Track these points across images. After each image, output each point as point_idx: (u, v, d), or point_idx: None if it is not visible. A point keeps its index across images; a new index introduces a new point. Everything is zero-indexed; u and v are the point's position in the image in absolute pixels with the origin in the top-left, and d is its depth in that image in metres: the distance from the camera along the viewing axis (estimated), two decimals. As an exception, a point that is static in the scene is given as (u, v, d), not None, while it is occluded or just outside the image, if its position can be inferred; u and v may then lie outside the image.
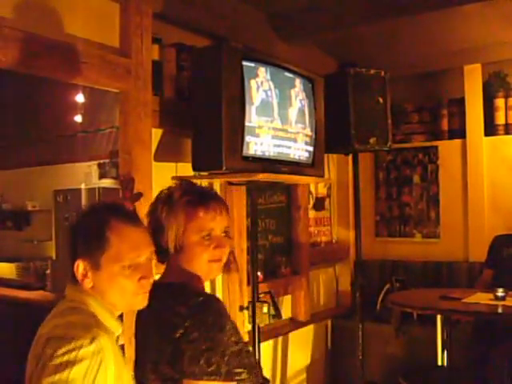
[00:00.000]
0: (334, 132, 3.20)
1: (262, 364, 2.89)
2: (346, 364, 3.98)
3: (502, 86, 4.28)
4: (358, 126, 3.28)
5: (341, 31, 3.56)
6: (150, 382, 1.42)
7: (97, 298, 1.33)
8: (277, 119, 2.72)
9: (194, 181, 1.66)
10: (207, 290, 3.00)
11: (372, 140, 3.35)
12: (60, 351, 1.19)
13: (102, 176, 4.57)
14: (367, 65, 3.45)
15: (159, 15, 2.70)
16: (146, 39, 2.60)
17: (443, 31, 3.72)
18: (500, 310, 2.96)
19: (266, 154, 2.67)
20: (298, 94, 2.89)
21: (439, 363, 3.43)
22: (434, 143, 4.52)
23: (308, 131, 2.97)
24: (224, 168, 2.47)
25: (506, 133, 4.22)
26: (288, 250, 4.06)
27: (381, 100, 3.40)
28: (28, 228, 5.49)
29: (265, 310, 2.88)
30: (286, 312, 3.96)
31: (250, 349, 1.50)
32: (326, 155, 3.26)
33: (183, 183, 1.59)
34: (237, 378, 1.34)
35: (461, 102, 4.35)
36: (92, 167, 4.70)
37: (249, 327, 2.99)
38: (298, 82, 2.89)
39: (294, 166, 2.88)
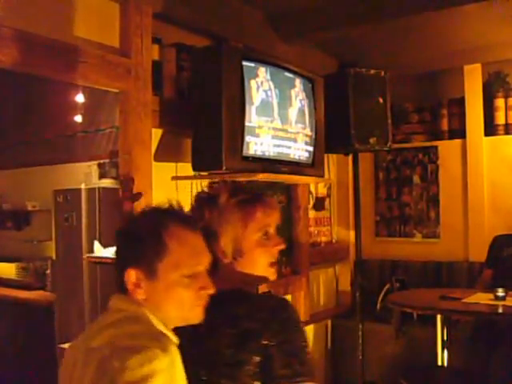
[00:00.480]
0: (334, 132, 3.20)
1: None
2: (346, 364, 3.98)
3: (501, 86, 4.28)
4: (358, 126, 3.28)
5: (341, 31, 3.55)
6: None
7: (151, 309, 1.18)
8: (277, 119, 2.72)
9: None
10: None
11: (372, 140, 3.35)
12: (131, 364, 1.04)
13: (101, 176, 4.56)
14: (367, 65, 3.45)
15: (159, 15, 2.70)
16: (145, 39, 2.60)
17: (443, 31, 3.72)
18: (500, 310, 2.96)
19: (266, 153, 2.67)
20: (298, 94, 2.89)
21: (439, 363, 3.42)
22: (434, 143, 4.51)
23: (308, 131, 2.97)
24: (224, 168, 2.47)
25: (506, 133, 4.22)
26: (288, 250, 4.06)
27: (381, 100, 3.40)
28: (28, 228, 5.49)
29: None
30: (286, 312, 3.96)
31: None
32: (326, 155, 3.27)
33: (223, 183, 1.49)
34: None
35: (461, 102, 4.35)
36: (92, 167, 4.69)
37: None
38: (297, 81, 2.89)
39: (294, 166, 2.88)
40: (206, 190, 1.46)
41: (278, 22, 3.46)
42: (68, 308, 3.98)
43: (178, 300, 1.19)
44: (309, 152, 2.99)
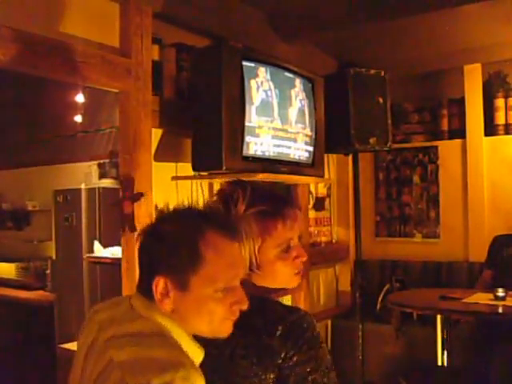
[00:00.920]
0: (334, 132, 3.20)
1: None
2: (346, 364, 3.97)
3: (501, 86, 4.28)
4: (358, 126, 3.28)
5: (341, 31, 3.56)
6: None
7: (178, 323, 1.09)
8: (277, 119, 2.72)
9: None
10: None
11: (372, 140, 3.35)
12: None
13: (101, 176, 4.56)
14: (367, 65, 3.45)
15: (159, 15, 2.70)
16: (145, 39, 2.60)
17: (443, 31, 3.72)
18: (500, 310, 2.96)
19: (266, 153, 2.67)
20: (298, 94, 2.89)
21: (439, 363, 3.42)
22: (434, 143, 4.51)
23: (308, 131, 2.97)
24: (224, 168, 2.47)
25: (506, 133, 4.22)
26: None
27: (381, 100, 3.40)
28: (28, 228, 5.49)
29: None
30: (286, 312, 3.96)
31: None
32: (326, 155, 3.27)
33: (240, 187, 1.30)
34: None
35: (461, 102, 4.35)
36: (92, 167, 4.69)
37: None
38: (298, 82, 2.90)
39: (294, 166, 2.88)
40: (220, 193, 1.33)
41: (278, 22, 3.46)
42: (68, 308, 3.98)
43: (208, 314, 1.09)
44: (309, 152, 2.99)
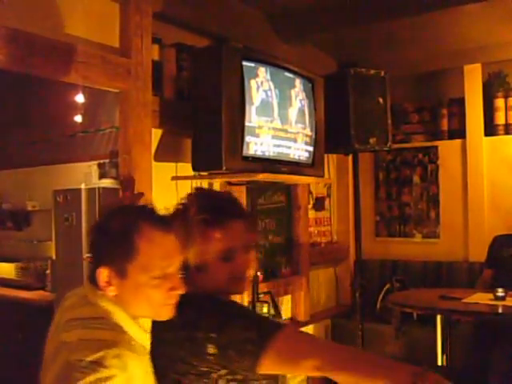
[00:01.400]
0: (334, 132, 3.20)
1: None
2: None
3: (501, 86, 4.28)
4: (358, 126, 3.28)
5: (341, 31, 3.56)
6: None
7: (121, 307, 1.23)
8: (277, 119, 2.72)
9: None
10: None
11: (372, 140, 3.35)
12: (87, 377, 1.09)
13: (101, 176, 4.56)
14: (367, 65, 3.45)
15: (159, 15, 2.70)
16: (145, 39, 2.60)
17: (443, 31, 3.72)
18: (500, 310, 2.96)
19: (266, 153, 2.67)
20: (298, 94, 2.89)
21: (439, 363, 3.42)
22: (434, 143, 4.52)
23: (308, 131, 2.97)
24: (224, 168, 2.47)
25: (506, 133, 4.22)
26: (288, 250, 4.06)
27: (381, 100, 3.40)
28: (28, 228, 5.48)
29: (265, 310, 2.88)
30: (286, 312, 3.96)
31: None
32: (325, 155, 3.26)
33: (199, 195, 1.44)
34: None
35: (461, 102, 4.35)
36: (92, 167, 4.68)
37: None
38: (298, 82, 2.89)
39: (294, 166, 2.88)
40: (186, 199, 1.44)
41: (278, 21, 3.46)
42: (68, 308, 3.97)
43: (147, 300, 1.23)
44: (309, 152, 2.99)
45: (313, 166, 3.02)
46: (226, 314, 1.27)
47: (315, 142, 3.02)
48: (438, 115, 4.49)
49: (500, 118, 4.24)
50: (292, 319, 4.04)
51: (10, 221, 5.51)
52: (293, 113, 2.84)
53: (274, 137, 2.71)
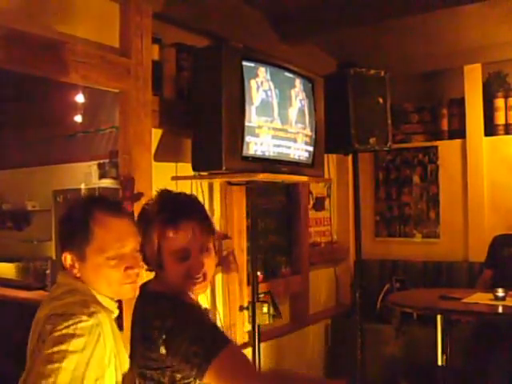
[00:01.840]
0: (334, 132, 3.20)
1: (262, 364, 2.89)
2: (346, 364, 3.97)
3: (501, 86, 4.28)
4: (358, 126, 3.28)
5: (341, 31, 3.55)
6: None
7: (86, 284, 1.38)
8: (277, 119, 2.72)
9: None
10: (208, 291, 2.99)
11: (372, 140, 3.35)
12: (59, 326, 1.23)
13: (101, 176, 4.56)
14: (367, 65, 3.45)
15: (159, 15, 2.70)
16: (145, 39, 2.60)
17: (443, 31, 3.72)
18: (500, 310, 2.96)
19: (266, 153, 2.67)
20: (298, 94, 2.89)
21: (439, 363, 3.42)
22: (434, 143, 4.52)
23: (308, 131, 2.97)
24: (224, 168, 2.46)
25: (506, 133, 4.22)
26: (288, 250, 4.06)
27: (381, 100, 3.40)
28: (28, 228, 5.48)
29: (265, 309, 2.88)
30: (286, 312, 3.96)
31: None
32: (325, 155, 3.26)
33: (163, 196, 1.50)
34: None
35: (461, 102, 4.35)
36: (92, 167, 4.69)
37: (249, 327, 3.00)
38: (298, 82, 2.89)
39: (294, 166, 2.88)
40: (151, 199, 1.52)
41: (278, 22, 3.46)
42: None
43: (106, 279, 1.37)
44: (309, 152, 2.99)
45: (313, 165, 3.02)
46: (180, 320, 1.33)
47: (315, 142, 3.02)
48: (438, 115, 4.49)
49: (500, 118, 4.24)
50: (292, 319, 4.04)
51: (9, 221, 5.51)
52: (293, 113, 2.84)
53: (273, 137, 2.71)
